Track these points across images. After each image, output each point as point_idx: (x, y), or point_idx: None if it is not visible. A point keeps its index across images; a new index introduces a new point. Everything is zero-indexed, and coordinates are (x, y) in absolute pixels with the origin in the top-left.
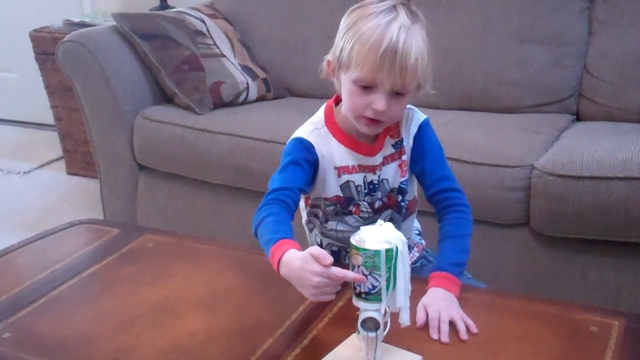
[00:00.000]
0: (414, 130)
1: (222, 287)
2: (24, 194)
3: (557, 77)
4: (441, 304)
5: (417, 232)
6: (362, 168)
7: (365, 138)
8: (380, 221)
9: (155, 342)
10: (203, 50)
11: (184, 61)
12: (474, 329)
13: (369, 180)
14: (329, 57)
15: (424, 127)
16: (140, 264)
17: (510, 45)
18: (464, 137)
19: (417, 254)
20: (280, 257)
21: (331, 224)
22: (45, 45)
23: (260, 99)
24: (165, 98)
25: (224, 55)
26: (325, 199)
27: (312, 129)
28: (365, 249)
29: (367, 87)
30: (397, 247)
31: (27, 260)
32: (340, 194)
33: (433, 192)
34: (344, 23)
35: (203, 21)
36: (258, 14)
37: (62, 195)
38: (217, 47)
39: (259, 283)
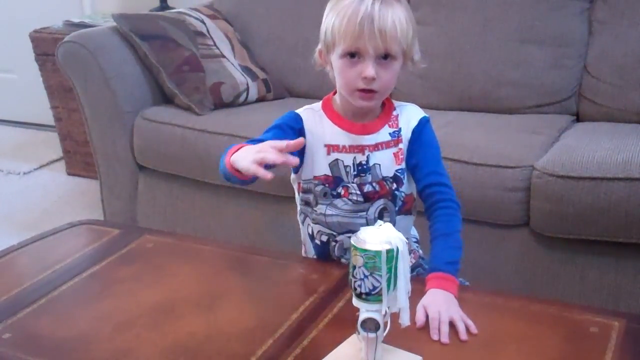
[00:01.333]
0: (413, 123)
1: (222, 287)
2: (24, 195)
3: (557, 77)
4: (441, 304)
5: (414, 239)
6: (352, 149)
7: (359, 120)
8: (379, 222)
9: (155, 343)
10: (203, 51)
11: (184, 62)
12: (473, 329)
13: (358, 161)
14: (319, 47)
15: (424, 123)
16: (140, 264)
17: (510, 46)
18: (464, 138)
19: (413, 261)
20: (237, 150)
21: (320, 208)
22: (46, 46)
23: (260, 99)
24: (165, 99)
25: (224, 56)
26: (314, 177)
27: (307, 107)
28: (365, 250)
29: (353, 58)
30: (397, 248)
31: (27, 261)
32: (329, 172)
33: (424, 185)
34: (325, 12)
35: (203, 22)
36: (258, 14)
37: (62, 196)
38: (217, 48)
39: (258, 284)
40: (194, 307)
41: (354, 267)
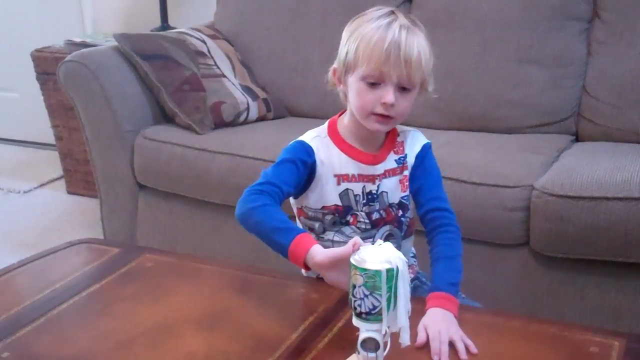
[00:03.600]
0: (417, 149)
1: (222, 307)
2: (24, 214)
3: (556, 97)
4: (441, 324)
5: (412, 254)
6: (362, 177)
7: (367, 148)
8: (379, 241)
9: None
10: (204, 70)
11: (185, 81)
12: (473, 349)
13: (367, 190)
14: (334, 65)
15: (427, 149)
16: (140, 283)
17: (509, 66)
18: (464, 157)
19: (411, 276)
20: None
21: (328, 234)
22: (47, 65)
23: (261, 119)
24: (165, 118)
25: (224, 76)
26: (323, 207)
27: (314, 135)
28: (365, 269)
29: (374, 84)
30: (397, 267)
31: (26, 279)
32: (339, 202)
33: (426, 210)
34: (346, 32)
35: (204, 42)
36: (258, 34)
37: (62, 215)
38: (218, 68)
39: (258, 303)
40: (193, 326)
41: (354, 287)
